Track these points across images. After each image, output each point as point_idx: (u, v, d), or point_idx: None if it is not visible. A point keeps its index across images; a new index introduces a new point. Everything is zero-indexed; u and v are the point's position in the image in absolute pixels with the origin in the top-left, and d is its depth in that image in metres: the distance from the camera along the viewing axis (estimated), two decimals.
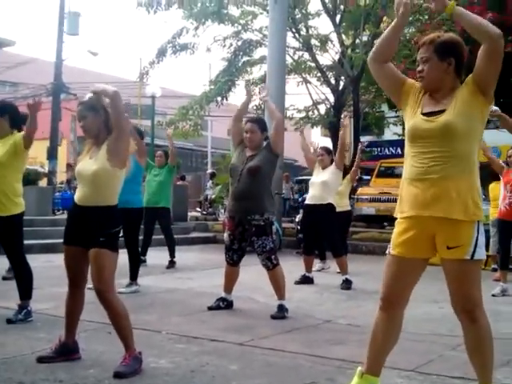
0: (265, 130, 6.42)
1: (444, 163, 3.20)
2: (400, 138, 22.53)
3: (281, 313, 6.17)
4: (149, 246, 10.37)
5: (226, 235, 6.46)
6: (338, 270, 9.24)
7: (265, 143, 6.38)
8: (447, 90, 3.32)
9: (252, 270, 7.83)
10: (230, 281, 6.54)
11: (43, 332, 5.21)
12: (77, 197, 4.29)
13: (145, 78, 21.95)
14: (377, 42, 3.46)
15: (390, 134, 24.86)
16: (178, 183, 22.22)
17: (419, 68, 3.36)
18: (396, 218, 3.41)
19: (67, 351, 4.33)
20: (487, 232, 9.18)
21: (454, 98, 3.27)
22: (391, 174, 14.22)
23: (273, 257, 6.22)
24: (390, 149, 28.11)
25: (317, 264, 9.98)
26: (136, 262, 7.78)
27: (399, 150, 26.24)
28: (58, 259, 5.03)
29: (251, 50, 20.39)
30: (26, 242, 6.01)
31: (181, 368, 4.25)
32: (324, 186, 8.47)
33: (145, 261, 10.30)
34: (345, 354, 4.68)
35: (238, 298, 7.04)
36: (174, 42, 20.20)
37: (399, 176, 12.10)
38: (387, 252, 3.40)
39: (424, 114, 3.31)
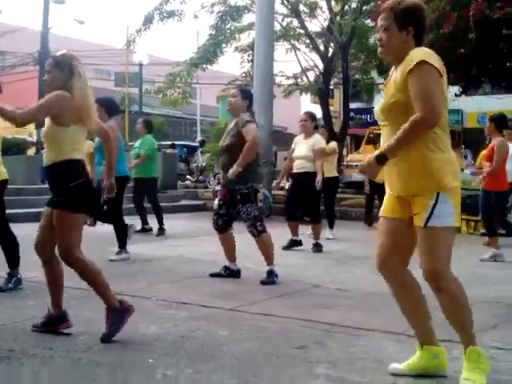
0: (247, 99, 6.49)
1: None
2: None
3: (270, 278, 6.23)
4: (144, 213, 10.61)
5: (215, 202, 6.59)
6: (328, 237, 9.41)
7: (244, 117, 6.35)
8: (401, 60, 3.29)
9: (241, 237, 7.83)
10: (226, 248, 6.58)
11: (32, 300, 5.22)
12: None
13: (132, 45, 21.73)
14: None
15: (380, 100, 24.79)
16: (168, 151, 22.17)
17: (378, 36, 3.36)
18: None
19: (53, 322, 4.30)
20: (476, 197, 9.29)
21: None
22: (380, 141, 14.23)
23: (258, 224, 6.30)
24: None
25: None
26: (121, 230, 7.81)
27: None
28: None
29: (239, 16, 20.19)
30: (14, 210, 6.01)
31: (171, 334, 4.27)
32: (307, 158, 8.74)
33: (150, 229, 10.58)
34: (334, 318, 4.72)
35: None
36: (161, 8, 19.96)
37: None
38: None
39: None
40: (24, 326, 4.38)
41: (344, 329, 4.41)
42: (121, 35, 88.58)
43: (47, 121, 4.24)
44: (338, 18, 19.22)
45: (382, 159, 3.24)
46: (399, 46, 3.31)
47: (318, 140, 8.90)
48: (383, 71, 21.01)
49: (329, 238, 9.93)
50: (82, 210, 4.26)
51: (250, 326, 4.52)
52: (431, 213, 3.24)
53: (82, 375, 3.37)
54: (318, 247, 8.69)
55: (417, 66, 3.14)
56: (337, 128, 21.46)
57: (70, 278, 6.03)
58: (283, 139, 25.90)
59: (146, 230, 10.62)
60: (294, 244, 8.72)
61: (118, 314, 4.15)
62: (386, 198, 3.54)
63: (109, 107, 7.60)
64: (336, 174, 10.76)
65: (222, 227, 6.50)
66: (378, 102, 3.50)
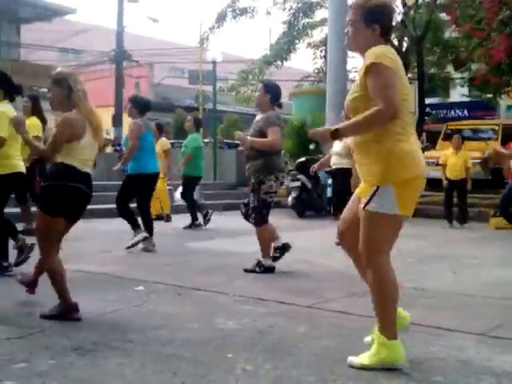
0: (269, 93, 6.65)
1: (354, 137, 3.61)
2: (468, 99, 22.03)
3: (256, 268, 6.57)
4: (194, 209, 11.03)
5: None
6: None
7: (271, 112, 6.59)
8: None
9: (319, 234, 7.86)
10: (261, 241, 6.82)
11: (114, 294, 5.34)
12: None
13: (205, 43, 21.92)
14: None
15: (456, 95, 24.29)
16: (240, 148, 22.27)
17: (346, 30, 3.68)
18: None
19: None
20: None
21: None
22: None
23: (253, 215, 6.59)
24: (457, 111, 27.45)
25: None
26: (148, 221, 8.22)
27: (466, 111, 25.66)
28: None
29: (312, 12, 20.10)
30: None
31: (248, 329, 4.30)
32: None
33: (200, 224, 10.95)
34: (412, 317, 4.62)
35: (303, 261, 7.07)
36: (233, 6, 20.08)
37: (466, 138, 11.88)
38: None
39: None
40: (105, 319, 4.49)
41: (424, 328, 4.34)
42: (194, 33, 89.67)
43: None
44: (411, 11, 18.88)
45: (335, 134, 3.50)
46: (364, 42, 3.50)
47: None
48: (459, 65, 20.63)
49: None
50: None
51: (328, 324, 4.51)
52: (371, 197, 3.46)
53: (164, 369, 3.43)
54: None
55: (371, 66, 3.33)
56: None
57: (150, 272, 6.20)
58: None
59: (196, 225, 10.97)
60: None
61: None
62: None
63: (141, 106, 8.26)
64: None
65: (249, 216, 6.75)
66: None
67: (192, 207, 11.09)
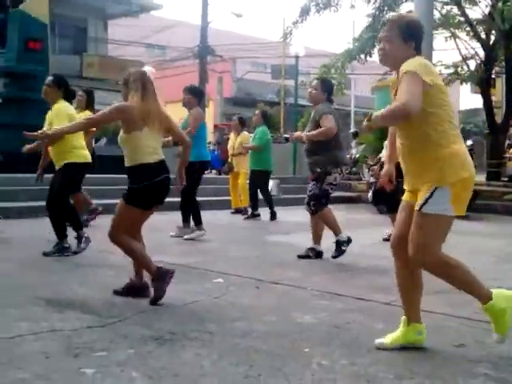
0: (326, 91, 6.96)
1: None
2: None
3: (310, 253, 7.03)
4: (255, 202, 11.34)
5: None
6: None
7: (321, 106, 6.88)
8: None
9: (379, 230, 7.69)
10: (315, 229, 7.17)
11: (194, 285, 5.42)
12: None
13: (288, 37, 21.88)
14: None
15: None
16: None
17: (381, 46, 3.72)
18: None
19: (135, 291, 4.89)
20: None
21: None
22: None
23: (312, 203, 6.81)
24: None
25: None
26: (195, 210, 8.37)
27: None
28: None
29: (397, 5, 19.77)
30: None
31: (325, 324, 4.29)
32: None
33: (259, 215, 11.30)
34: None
35: (383, 257, 6.97)
36: (317, 0, 19.96)
37: None
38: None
39: None
40: (185, 310, 4.57)
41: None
42: (277, 28, 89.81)
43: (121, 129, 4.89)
44: (499, 3, 18.31)
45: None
46: (401, 58, 3.62)
47: None
48: None
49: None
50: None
51: None
52: (427, 199, 3.56)
53: (241, 361, 3.46)
54: None
55: (404, 75, 3.50)
56: (499, 118, 20.51)
57: (229, 264, 6.26)
58: None
59: (254, 215, 11.28)
60: None
61: (159, 280, 4.75)
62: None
63: (200, 95, 8.73)
64: None
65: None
66: None
67: (269, 202, 11.35)
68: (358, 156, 21.41)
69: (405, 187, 3.80)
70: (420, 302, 3.89)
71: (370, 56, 19.67)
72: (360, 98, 37.10)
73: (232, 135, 12.72)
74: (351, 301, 5.01)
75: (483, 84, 19.70)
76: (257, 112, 11.85)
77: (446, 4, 19.52)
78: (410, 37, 3.68)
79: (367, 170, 16.35)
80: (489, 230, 10.18)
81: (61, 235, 6.63)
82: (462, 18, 19.43)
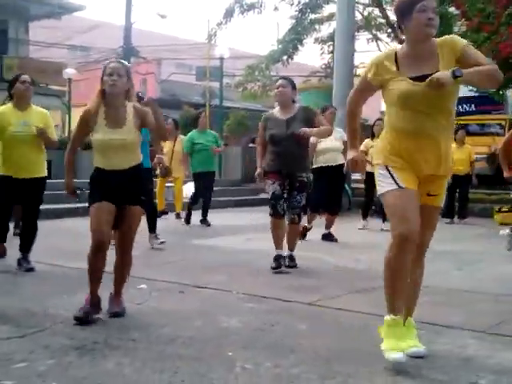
0: (294, 89, 6.61)
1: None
2: (476, 94, 21.84)
3: (293, 261, 6.63)
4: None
5: (273, 186, 6.46)
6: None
7: (297, 106, 6.59)
8: (428, 44, 3.54)
9: (320, 232, 7.82)
10: (282, 235, 6.61)
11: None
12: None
13: (213, 39, 21.95)
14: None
15: (464, 89, 24.10)
16: (250, 145, 22.26)
17: (432, 15, 3.46)
18: None
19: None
20: None
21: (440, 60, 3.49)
22: (466, 131, 13.79)
23: (302, 213, 6.61)
24: (465, 106, 27.25)
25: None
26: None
27: (473, 106, 25.47)
28: None
29: (319, 7, 20.08)
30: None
31: (250, 327, 4.31)
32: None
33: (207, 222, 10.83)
34: (414, 314, 4.64)
35: (307, 258, 7.07)
36: (241, 1, 20.09)
37: (474, 134, 11.78)
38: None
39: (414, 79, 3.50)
40: (108, 318, 4.50)
41: (425, 326, 4.33)
42: (202, 29, 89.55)
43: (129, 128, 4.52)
44: None
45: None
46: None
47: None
48: None
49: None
50: None
51: (330, 321, 4.52)
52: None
53: (165, 368, 3.44)
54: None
55: (469, 47, 3.52)
56: None
57: (153, 269, 6.21)
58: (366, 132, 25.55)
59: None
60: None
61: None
62: (404, 173, 3.57)
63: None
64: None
65: (285, 213, 6.53)
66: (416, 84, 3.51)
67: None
68: None
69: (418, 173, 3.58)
70: None
71: (292, 59, 19.91)
72: None
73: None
74: (276, 303, 5.05)
75: None
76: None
77: (368, 6, 19.95)
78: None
79: (259, 179, 16.45)
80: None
81: None
82: (383, 20, 19.88)
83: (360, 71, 20.31)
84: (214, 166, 11.16)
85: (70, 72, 23.59)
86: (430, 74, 3.34)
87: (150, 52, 29.20)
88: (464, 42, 3.52)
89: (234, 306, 4.92)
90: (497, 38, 14.01)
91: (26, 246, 6.31)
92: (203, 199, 10.98)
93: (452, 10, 18.26)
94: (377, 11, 19.89)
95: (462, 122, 19.18)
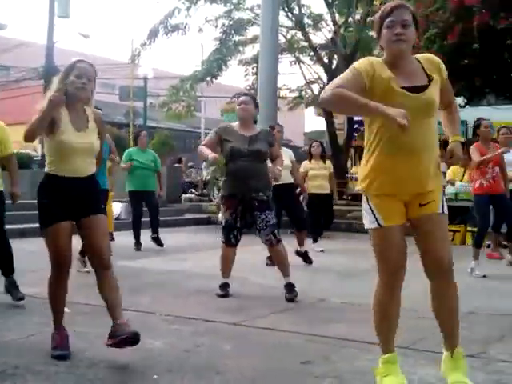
0: (257, 107, 6.40)
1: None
2: None
3: (293, 292, 6.05)
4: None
5: (226, 215, 6.18)
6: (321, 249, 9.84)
7: (257, 127, 6.45)
8: (409, 57, 3.36)
9: (248, 251, 7.76)
10: (230, 264, 6.33)
11: (38, 316, 5.20)
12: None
13: (136, 59, 21.83)
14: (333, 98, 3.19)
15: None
16: (175, 165, 22.17)
17: (399, 30, 3.24)
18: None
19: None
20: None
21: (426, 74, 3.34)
22: None
23: (276, 231, 6.12)
24: None
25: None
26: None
27: None
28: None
29: (243, 29, 20.28)
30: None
31: (175, 349, 4.26)
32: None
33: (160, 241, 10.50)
34: (339, 332, 4.70)
35: (233, 278, 7.04)
36: (165, 22, 20.06)
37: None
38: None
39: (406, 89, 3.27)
40: (29, 343, 4.37)
41: (350, 343, 4.39)
42: (126, 49, 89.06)
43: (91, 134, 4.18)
44: (341, 30, 19.27)
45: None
46: (412, 44, 3.35)
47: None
48: None
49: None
50: None
51: (255, 341, 4.51)
52: (443, 200, 3.39)
53: None
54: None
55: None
56: (341, 140, 21.45)
57: (78, 292, 6.04)
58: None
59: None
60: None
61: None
62: (387, 206, 3.36)
63: None
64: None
65: (239, 241, 6.25)
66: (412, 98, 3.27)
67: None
68: (208, 177, 21.55)
69: (401, 195, 3.36)
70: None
71: (216, 78, 19.98)
72: (210, 120, 37.44)
73: None
74: (201, 323, 5.01)
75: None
76: (144, 133, 11.24)
77: (291, 29, 20.26)
78: (416, 25, 3.37)
79: (217, 192, 16.49)
80: (338, 247, 10.58)
81: None
82: (306, 43, 20.24)
83: (283, 93, 20.60)
84: (154, 186, 10.62)
85: None
86: (421, 86, 3.28)
87: None
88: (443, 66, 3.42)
89: (157, 328, 4.85)
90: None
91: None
92: (150, 218, 10.51)
93: (372, 33, 18.76)
94: (299, 34, 20.22)
95: None
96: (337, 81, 3.24)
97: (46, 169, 4.13)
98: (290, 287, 6.10)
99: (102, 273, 4.09)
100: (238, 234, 6.20)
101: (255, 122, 6.49)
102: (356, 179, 16.26)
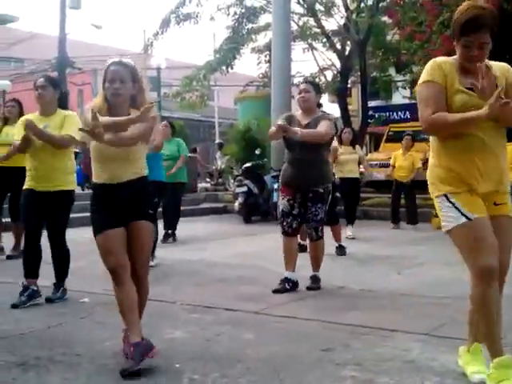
0: (319, 93, 6.26)
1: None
2: (410, 101, 22.31)
3: (317, 284, 6.06)
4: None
5: (283, 203, 6.03)
6: (349, 235, 9.60)
7: (320, 113, 6.19)
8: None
9: (266, 239, 7.85)
10: (292, 255, 6.08)
11: (59, 307, 5.26)
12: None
13: (149, 49, 21.82)
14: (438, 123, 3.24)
15: (398, 97, 24.66)
16: (189, 155, 22.14)
17: (476, 53, 3.23)
18: None
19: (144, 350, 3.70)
20: None
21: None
22: (400, 138, 14.08)
23: (320, 228, 6.01)
24: (399, 113, 27.90)
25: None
26: None
27: (408, 114, 26.07)
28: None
29: (255, 17, 20.20)
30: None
31: (196, 338, 4.29)
32: None
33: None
34: (359, 319, 4.71)
35: (251, 266, 7.10)
36: (177, 12, 20.02)
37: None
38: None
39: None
40: (49, 334, 4.41)
41: (369, 330, 4.40)
42: (138, 39, 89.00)
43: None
44: (354, 15, 19.15)
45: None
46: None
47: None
48: (401, 68, 20.98)
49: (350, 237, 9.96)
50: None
51: (275, 329, 4.53)
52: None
53: (110, 382, 3.40)
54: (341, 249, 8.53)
55: None
56: (356, 126, 21.39)
57: (96, 282, 6.10)
58: None
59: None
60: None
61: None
62: (470, 200, 3.29)
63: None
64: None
65: (296, 230, 6.08)
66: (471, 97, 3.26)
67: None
68: (223, 167, 21.59)
69: (478, 191, 3.30)
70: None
71: (232, 68, 19.95)
72: (223, 110, 37.41)
73: None
74: (221, 312, 5.03)
75: (340, 93, 20.46)
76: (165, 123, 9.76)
77: (303, 16, 20.16)
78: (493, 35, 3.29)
79: (232, 181, 16.53)
80: (354, 234, 10.56)
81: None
82: (319, 30, 20.13)
83: (297, 80, 20.53)
84: (183, 177, 10.07)
85: (4, 84, 23.06)
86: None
87: (86, 63, 28.84)
88: None
89: (178, 318, 4.89)
90: (429, 46, 14.34)
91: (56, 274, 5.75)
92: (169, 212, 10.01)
93: (385, 19, 18.66)
94: (312, 21, 20.12)
95: (396, 129, 19.63)
96: (425, 109, 3.27)
97: (92, 177, 4.06)
98: (315, 279, 6.11)
99: (135, 281, 3.95)
100: (293, 222, 5.99)
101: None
102: (372, 166, 16.17)
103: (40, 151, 5.46)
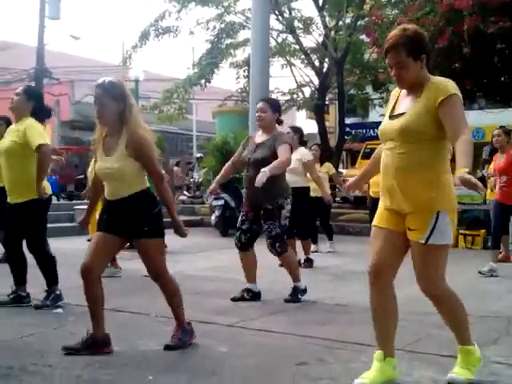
0: (277, 111, 6.20)
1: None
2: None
3: (293, 295, 6.11)
4: None
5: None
6: (329, 250, 9.96)
7: (278, 130, 6.19)
8: (417, 85, 3.43)
9: (232, 252, 7.74)
10: (248, 268, 6.19)
11: (31, 317, 5.20)
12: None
13: (128, 61, 21.76)
14: None
15: (375, 115, 24.84)
16: (174, 168, 22.08)
17: (394, 72, 3.41)
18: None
19: (95, 344, 4.17)
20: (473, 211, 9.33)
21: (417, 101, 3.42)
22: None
23: (277, 244, 5.96)
24: (375, 130, 28.07)
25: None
26: None
27: None
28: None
29: (234, 33, 20.26)
30: None
31: (171, 350, 4.26)
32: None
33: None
34: (333, 333, 4.71)
35: (227, 280, 7.07)
36: (156, 25, 20.01)
37: None
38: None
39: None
40: (22, 343, 4.36)
41: (344, 344, 4.41)
42: (117, 51, 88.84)
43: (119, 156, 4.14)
44: (332, 33, 19.28)
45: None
46: (416, 77, 3.41)
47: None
48: (378, 87, 21.15)
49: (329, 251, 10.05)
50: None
51: (250, 342, 4.51)
52: (432, 230, 3.34)
53: None
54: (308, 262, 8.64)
55: (453, 97, 3.30)
56: (333, 143, 21.50)
57: (70, 294, 6.04)
58: None
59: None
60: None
61: (185, 332, 4.45)
62: (379, 210, 3.61)
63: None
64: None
65: (246, 245, 6.12)
66: (387, 122, 3.56)
67: None
68: (201, 179, 21.57)
69: (385, 206, 3.54)
70: (394, 334, 3.64)
71: (210, 82, 19.97)
72: (201, 123, 37.42)
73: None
74: (196, 325, 4.98)
75: (317, 110, 20.57)
76: None
77: (282, 32, 20.27)
78: (421, 51, 3.43)
79: (210, 194, 16.51)
80: (325, 249, 10.59)
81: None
82: (297, 47, 20.25)
83: (275, 96, 20.62)
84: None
85: None
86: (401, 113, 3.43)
87: (64, 73, 28.76)
88: (452, 91, 3.34)
89: (152, 329, 4.86)
90: None
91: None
92: None
93: (363, 37, 18.82)
94: (290, 38, 20.24)
95: (373, 146, 19.77)
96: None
97: None
98: (294, 290, 6.16)
99: (160, 286, 4.53)
100: (241, 236, 6.09)
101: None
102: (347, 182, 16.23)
103: (2, 167, 5.73)
